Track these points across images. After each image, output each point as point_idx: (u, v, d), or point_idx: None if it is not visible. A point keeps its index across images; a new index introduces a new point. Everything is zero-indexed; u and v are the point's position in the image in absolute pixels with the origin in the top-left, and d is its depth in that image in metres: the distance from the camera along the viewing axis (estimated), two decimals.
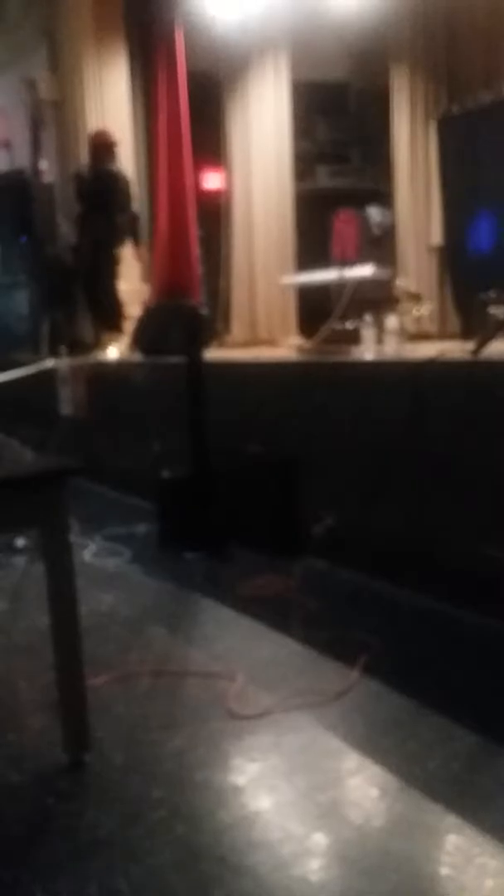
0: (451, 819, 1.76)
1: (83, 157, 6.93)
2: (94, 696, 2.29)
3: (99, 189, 6.21)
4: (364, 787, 1.91)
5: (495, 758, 2.00)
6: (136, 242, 6.58)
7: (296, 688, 2.37)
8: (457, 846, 1.69)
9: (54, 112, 7.41)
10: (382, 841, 1.71)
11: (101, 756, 2.08)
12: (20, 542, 3.90)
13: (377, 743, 2.09)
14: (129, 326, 6.34)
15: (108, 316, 6.47)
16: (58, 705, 2.12)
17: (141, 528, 4.24)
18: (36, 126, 7.40)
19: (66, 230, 6.92)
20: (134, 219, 6.50)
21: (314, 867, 1.64)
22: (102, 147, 6.39)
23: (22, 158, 7.65)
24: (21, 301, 8.20)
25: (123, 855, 1.70)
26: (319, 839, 1.73)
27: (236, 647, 2.76)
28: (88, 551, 3.93)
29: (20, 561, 3.68)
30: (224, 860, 1.66)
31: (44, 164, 7.34)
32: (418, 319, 5.67)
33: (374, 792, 1.89)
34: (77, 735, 2.08)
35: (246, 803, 1.87)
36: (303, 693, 2.34)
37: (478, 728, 2.11)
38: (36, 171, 7.33)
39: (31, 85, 7.35)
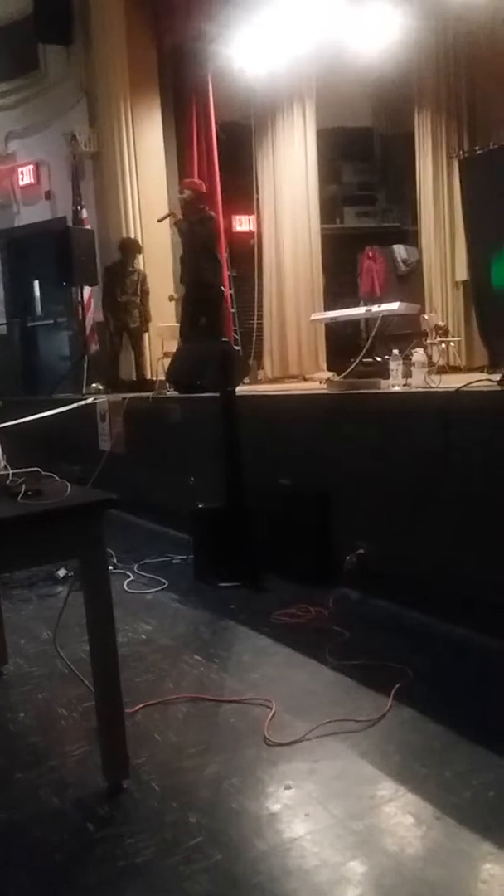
0: (487, 847, 1.76)
1: (128, 204, 7.23)
2: (133, 723, 2.35)
3: (200, 232, 6.33)
4: (399, 814, 1.91)
5: None
6: None
7: (330, 715, 2.38)
8: (492, 874, 1.68)
9: (93, 163, 7.76)
10: (418, 869, 1.71)
11: (140, 782, 2.11)
12: (61, 572, 4.00)
13: (412, 771, 2.09)
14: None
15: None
16: (97, 732, 2.17)
17: (178, 559, 4.33)
18: (76, 177, 7.75)
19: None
20: None
21: (350, 895, 1.64)
22: (200, 194, 6.51)
23: (64, 208, 7.99)
24: (62, 341, 8.49)
25: (161, 881, 1.72)
26: (355, 867, 1.73)
27: (271, 675, 2.78)
28: (127, 581, 4.01)
29: (62, 590, 3.77)
30: (260, 888, 1.68)
31: (84, 213, 7.66)
32: (446, 352, 5.72)
33: (409, 820, 1.88)
34: (116, 761, 2.12)
35: (281, 830, 1.88)
36: (337, 720, 2.35)
37: None
38: (77, 219, 7.65)
39: (72, 139, 7.72)
